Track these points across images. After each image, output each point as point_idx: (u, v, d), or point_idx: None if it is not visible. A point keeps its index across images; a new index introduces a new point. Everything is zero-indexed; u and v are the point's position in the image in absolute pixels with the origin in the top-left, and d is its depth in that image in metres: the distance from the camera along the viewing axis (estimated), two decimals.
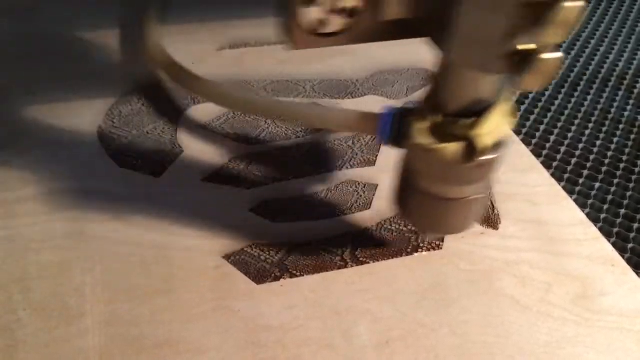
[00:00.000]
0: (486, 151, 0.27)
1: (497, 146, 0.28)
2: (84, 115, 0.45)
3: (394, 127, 0.28)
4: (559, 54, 0.22)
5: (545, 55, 0.22)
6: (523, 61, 0.22)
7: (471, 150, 0.27)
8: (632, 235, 0.42)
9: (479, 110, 0.26)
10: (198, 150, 0.43)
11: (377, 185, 0.42)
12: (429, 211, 0.32)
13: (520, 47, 0.22)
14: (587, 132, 0.53)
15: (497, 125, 0.27)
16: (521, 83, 0.23)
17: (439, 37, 0.25)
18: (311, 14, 0.24)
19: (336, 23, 0.25)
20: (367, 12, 0.25)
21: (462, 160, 0.27)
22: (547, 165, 0.47)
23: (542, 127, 0.53)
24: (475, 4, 0.22)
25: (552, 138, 0.52)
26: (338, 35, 0.25)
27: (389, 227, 0.39)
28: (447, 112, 0.27)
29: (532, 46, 0.22)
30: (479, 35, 0.23)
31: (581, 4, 0.21)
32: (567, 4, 0.21)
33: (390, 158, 0.44)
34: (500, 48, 0.23)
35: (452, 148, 0.27)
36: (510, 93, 0.27)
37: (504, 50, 0.23)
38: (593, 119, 0.55)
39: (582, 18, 0.22)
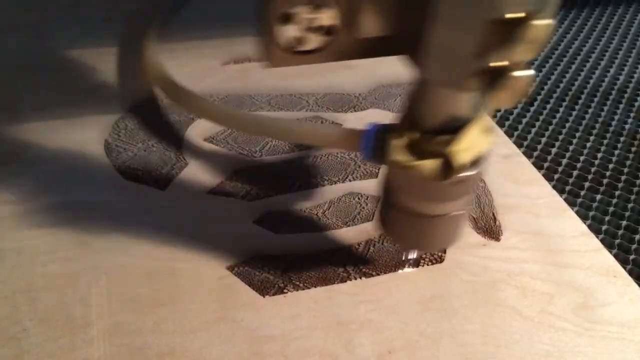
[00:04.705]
0: (463, 168, 0.27)
1: (476, 163, 0.28)
2: (90, 129, 0.46)
3: (376, 144, 0.28)
4: (531, 72, 0.23)
5: (517, 73, 0.22)
6: (495, 79, 0.23)
7: (448, 167, 0.27)
8: (634, 246, 0.43)
9: (455, 127, 0.26)
10: (202, 163, 0.44)
11: (380, 197, 0.42)
12: (409, 228, 0.32)
13: (492, 64, 0.23)
14: (588, 144, 0.54)
15: (474, 142, 0.27)
16: (493, 100, 0.23)
17: (414, 54, 0.25)
18: (288, 32, 0.24)
19: (313, 41, 0.25)
20: (344, 30, 0.25)
21: (439, 177, 0.27)
22: (548, 177, 0.47)
23: (543, 140, 0.54)
24: (447, 22, 0.22)
25: (554, 150, 0.52)
26: (316, 53, 0.25)
27: None
28: (424, 129, 0.27)
29: (504, 64, 0.23)
30: (452, 52, 0.23)
31: (550, 22, 0.21)
32: (536, 22, 0.21)
33: None
34: (473, 65, 0.23)
35: (429, 165, 0.27)
36: (487, 110, 0.27)
37: (476, 67, 0.23)
38: (594, 131, 0.55)
39: (551, 36, 0.22)
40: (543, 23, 0.21)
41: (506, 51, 0.22)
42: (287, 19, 0.24)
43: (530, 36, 0.21)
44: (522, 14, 0.21)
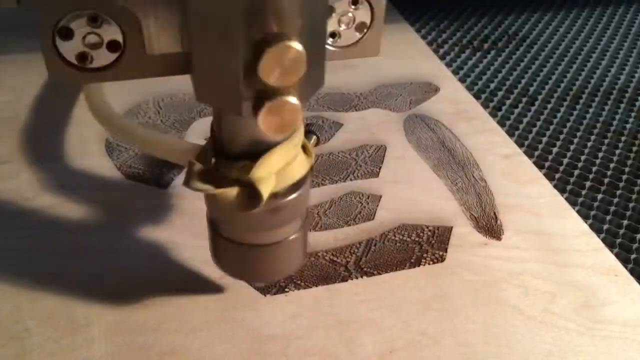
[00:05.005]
0: (263, 198, 0.24)
1: (294, 187, 0.26)
2: (90, 128, 0.45)
3: None
4: (293, 101, 0.21)
5: (282, 99, 0.20)
6: (259, 104, 0.21)
7: (250, 197, 0.24)
8: (635, 245, 0.42)
9: (259, 152, 0.24)
10: None
11: (381, 196, 0.42)
12: (237, 258, 0.30)
13: (257, 89, 0.21)
14: (589, 144, 0.53)
15: (281, 167, 0.25)
16: (260, 127, 0.21)
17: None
18: (67, 47, 0.22)
19: (101, 57, 0.23)
20: (131, 46, 0.23)
21: (242, 207, 0.25)
22: (549, 177, 0.47)
23: (544, 140, 0.53)
24: (206, 40, 0.21)
25: (555, 150, 0.52)
26: (107, 70, 0.23)
27: (393, 237, 0.39)
28: (226, 153, 0.25)
29: (269, 88, 0.20)
30: (215, 73, 0.21)
31: (294, 46, 0.19)
32: (288, 44, 0.19)
33: (393, 170, 0.44)
34: (237, 88, 0.21)
35: (230, 194, 0.25)
36: (295, 132, 0.25)
37: (241, 91, 0.21)
38: (595, 131, 0.55)
39: (303, 63, 0.20)
40: (286, 46, 0.19)
41: (261, 75, 0.20)
42: (64, 34, 0.22)
43: (276, 59, 0.19)
44: (263, 36, 0.19)
